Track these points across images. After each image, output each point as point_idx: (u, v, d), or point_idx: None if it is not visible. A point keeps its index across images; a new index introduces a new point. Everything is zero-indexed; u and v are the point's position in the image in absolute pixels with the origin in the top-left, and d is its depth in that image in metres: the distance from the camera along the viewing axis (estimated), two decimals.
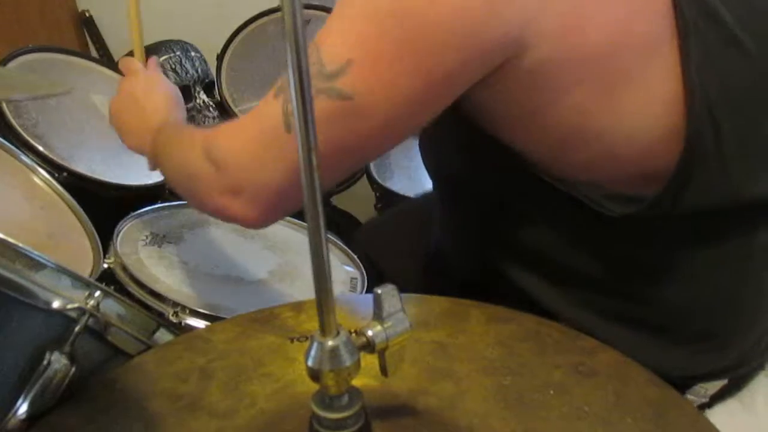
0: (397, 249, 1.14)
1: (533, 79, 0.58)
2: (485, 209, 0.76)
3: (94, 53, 1.92)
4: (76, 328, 0.57)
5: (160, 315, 0.87)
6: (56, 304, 0.56)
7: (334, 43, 0.57)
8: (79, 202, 1.05)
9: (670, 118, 0.59)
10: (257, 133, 0.62)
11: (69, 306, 0.57)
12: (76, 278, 0.58)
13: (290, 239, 1.15)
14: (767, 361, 0.82)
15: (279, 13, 0.34)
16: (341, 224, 1.76)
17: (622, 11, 0.57)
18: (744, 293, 0.73)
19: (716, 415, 0.77)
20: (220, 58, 1.60)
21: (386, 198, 1.51)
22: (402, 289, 0.46)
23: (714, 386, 0.77)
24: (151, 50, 1.65)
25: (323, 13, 1.59)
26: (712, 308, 0.73)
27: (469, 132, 0.67)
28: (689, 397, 0.77)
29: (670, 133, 0.59)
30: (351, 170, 0.66)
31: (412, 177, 1.55)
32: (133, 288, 0.92)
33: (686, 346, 0.74)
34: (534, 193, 0.69)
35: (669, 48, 0.58)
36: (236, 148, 0.63)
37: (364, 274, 1.06)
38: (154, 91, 0.92)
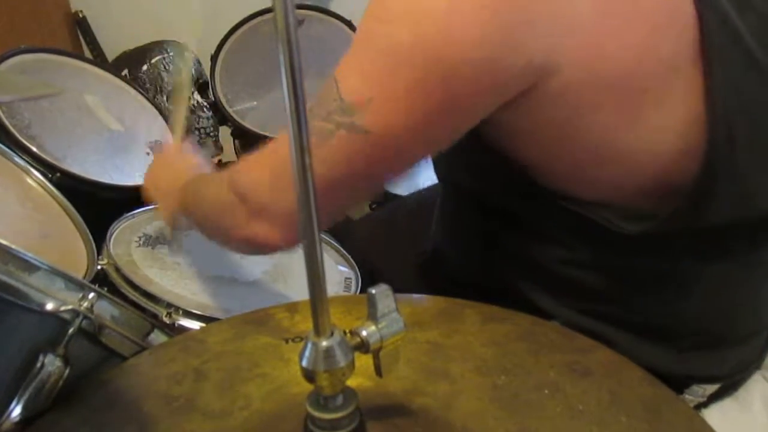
0: (390, 248, 1.15)
1: (558, 102, 0.58)
2: (492, 221, 0.76)
3: (87, 54, 1.92)
4: (70, 330, 0.57)
5: (154, 316, 0.87)
6: (50, 306, 0.56)
7: (354, 80, 0.58)
8: (72, 203, 1.04)
9: (691, 136, 0.60)
10: (274, 161, 0.65)
11: (63, 308, 0.57)
12: (69, 280, 0.58)
13: None
14: (764, 361, 0.83)
15: (273, 14, 0.34)
16: (335, 224, 1.76)
17: (645, 31, 0.57)
18: (747, 304, 0.75)
19: (712, 413, 0.78)
20: (213, 58, 1.60)
21: (381, 197, 1.51)
22: (396, 289, 0.46)
23: (712, 387, 0.77)
24: (145, 51, 1.65)
25: (317, 14, 1.59)
26: (715, 317, 0.74)
27: (483, 152, 0.67)
28: (687, 396, 0.77)
29: (689, 150, 0.60)
30: (373, 193, 0.68)
31: (409, 177, 1.55)
32: (126, 289, 0.91)
33: (686, 352, 0.75)
34: (543, 212, 0.69)
35: (692, 68, 0.58)
36: (255, 178, 0.67)
37: (359, 274, 1.06)
38: (185, 155, 1.01)
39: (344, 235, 1.26)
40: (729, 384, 0.78)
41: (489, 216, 0.77)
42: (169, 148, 1.02)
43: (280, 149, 0.64)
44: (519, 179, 0.68)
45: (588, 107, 0.58)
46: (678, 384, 0.75)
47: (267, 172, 0.65)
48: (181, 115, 1.05)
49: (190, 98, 1.63)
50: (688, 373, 0.75)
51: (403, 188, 1.46)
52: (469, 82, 0.55)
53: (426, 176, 1.48)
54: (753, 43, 0.59)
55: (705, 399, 0.78)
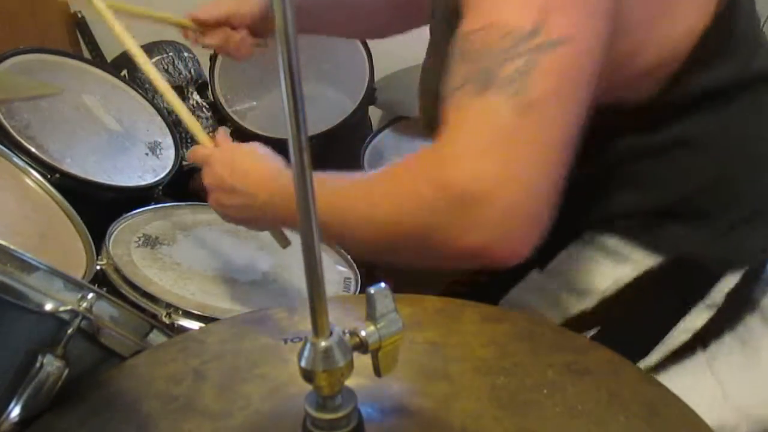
0: None
1: None
2: None
3: (86, 54, 1.91)
4: (69, 331, 0.57)
5: (154, 316, 0.87)
6: (48, 307, 0.56)
7: (513, 11, 0.55)
8: (71, 204, 1.04)
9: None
10: (491, 135, 0.54)
11: (61, 308, 0.57)
12: (68, 280, 0.58)
13: None
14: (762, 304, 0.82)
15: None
16: None
17: None
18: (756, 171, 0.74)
19: (721, 371, 0.77)
20: (213, 58, 1.60)
21: None
22: (395, 289, 0.46)
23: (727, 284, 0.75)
24: (143, 51, 1.65)
25: None
26: (729, 183, 0.73)
27: None
28: (714, 293, 0.75)
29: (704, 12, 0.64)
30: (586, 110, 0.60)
31: None
32: (125, 290, 0.92)
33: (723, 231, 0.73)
34: None
35: None
36: (475, 164, 0.54)
37: (358, 274, 1.06)
38: (244, 167, 0.77)
39: None
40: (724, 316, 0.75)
41: None
42: (213, 161, 0.79)
43: (491, 118, 0.54)
44: None
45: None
46: (711, 273, 0.74)
47: (490, 148, 0.54)
48: (189, 117, 0.87)
49: (186, 97, 1.63)
50: (725, 255, 0.74)
51: None
52: None
53: None
54: None
55: (722, 302, 0.74)
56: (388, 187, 0.59)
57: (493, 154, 0.53)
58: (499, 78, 0.54)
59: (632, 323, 0.77)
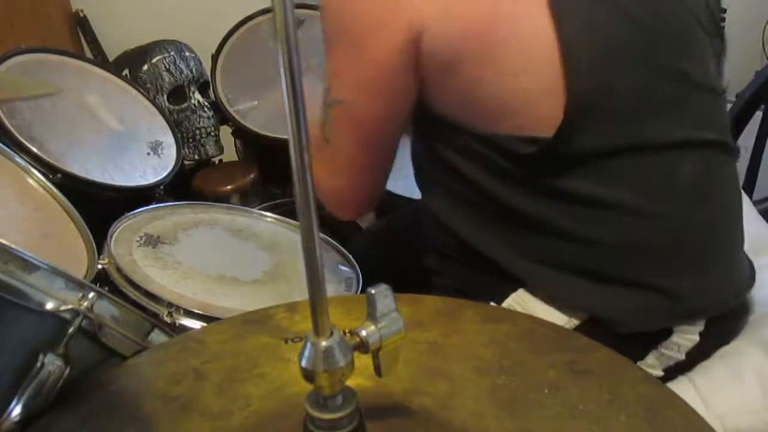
0: (392, 250, 1.15)
1: (432, 56, 0.72)
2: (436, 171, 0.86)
3: (88, 54, 1.92)
4: (70, 330, 0.57)
5: (155, 316, 0.87)
6: (50, 306, 0.56)
7: (324, 72, 0.78)
8: (73, 203, 1.04)
9: (554, 76, 0.69)
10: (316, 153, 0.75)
11: (62, 307, 0.57)
12: (69, 279, 0.58)
13: (284, 239, 1.15)
14: (746, 317, 0.84)
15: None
16: (336, 224, 1.76)
17: None
18: (674, 232, 0.76)
19: (702, 386, 0.78)
20: (214, 58, 1.60)
21: (382, 199, 1.50)
22: (396, 289, 0.46)
23: (686, 340, 0.78)
24: (145, 51, 1.65)
25: (317, 13, 1.59)
26: (642, 249, 0.76)
27: (422, 112, 0.80)
28: (665, 351, 0.79)
29: (553, 86, 0.70)
30: (387, 150, 0.85)
31: (409, 177, 1.55)
32: (127, 289, 0.91)
33: (623, 289, 0.77)
34: (462, 146, 0.78)
35: (538, 16, 0.69)
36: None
37: (359, 273, 1.06)
38: None
39: (345, 235, 1.26)
40: (704, 339, 0.79)
41: (433, 166, 0.87)
42: None
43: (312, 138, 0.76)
44: (434, 120, 0.79)
45: (453, 60, 0.71)
46: (652, 339, 0.78)
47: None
48: None
49: (187, 97, 1.63)
50: (633, 314, 0.77)
51: (405, 190, 1.46)
52: (374, 37, 0.72)
53: None
54: None
55: (683, 357, 0.79)
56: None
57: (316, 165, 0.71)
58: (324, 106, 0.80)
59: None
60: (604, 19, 0.71)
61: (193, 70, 1.67)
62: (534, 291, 0.81)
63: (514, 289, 0.82)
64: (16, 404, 0.54)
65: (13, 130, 1.10)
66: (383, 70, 0.74)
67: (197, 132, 1.66)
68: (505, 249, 0.81)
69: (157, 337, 0.68)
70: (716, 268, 0.80)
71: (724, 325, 0.82)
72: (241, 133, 1.61)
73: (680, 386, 0.79)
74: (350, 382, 0.44)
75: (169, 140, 1.39)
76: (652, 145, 0.74)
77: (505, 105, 0.72)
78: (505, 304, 0.82)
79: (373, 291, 0.45)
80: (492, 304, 0.83)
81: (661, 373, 0.80)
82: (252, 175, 1.61)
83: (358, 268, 1.07)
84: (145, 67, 1.61)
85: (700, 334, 0.78)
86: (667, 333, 0.78)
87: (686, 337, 0.78)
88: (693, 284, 0.77)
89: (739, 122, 1.45)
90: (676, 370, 0.81)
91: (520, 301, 0.82)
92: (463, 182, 0.80)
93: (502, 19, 0.69)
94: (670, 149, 0.75)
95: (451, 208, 0.85)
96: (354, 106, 0.77)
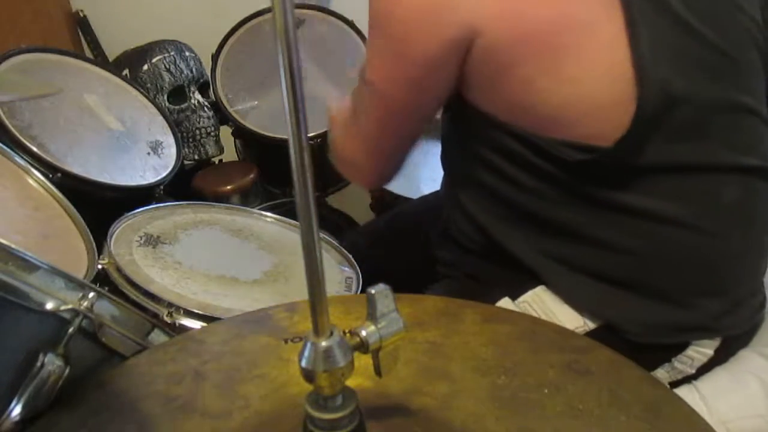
0: (393, 250, 1.15)
1: (486, 56, 0.71)
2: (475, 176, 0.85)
3: (88, 54, 1.92)
4: (70, 330, 0.57)
5: (155, 316, 0.87)
6: (50, 306, 0.56)
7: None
8: (73, 203, 1.04)
9: (625, 88, 0.68)
10: (343, 121, 0.91)
11: (62, 307, 0.57)
12: (69, 279, 0.58)
13: (284, 239, 1.15)
14: (755, 335, 0.84)
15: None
16: (336, 224, 1.76)
17: None
18: (710, 252, 0.76)
19: (707, 393, 0.78)
20: (214, 58, 1.60)
21: (381, 198, 1.51)
22: (396, 289, 0.46)
23: (701, 354, 0.79)
24: (145, 50, 1.65)
25: (317, 13, 1.59)
26: (677, 264, 0.76)
27: (459, 104, 0.80)
28: (677, 365, 0.79)
29: (621, 98, 0.69)
30: (413, 137, 0.86)
31: (408, 177, 1.55)
32: (127, 289, 0.91)
33: (647, 300, 0.77)
34: (505, 146, 0.77)
35: (611, 26, 0.68)
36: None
37: (359, 273, 1.06)
38: None
39: (345, 235, 1.26)
40: (717, 357, 0.80)
41: (472, 169, 0.85)
42: None
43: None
44: (478, 118, 0.78)
45: (510, 62, 0.70)
46: (665, 350, 0.79)
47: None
48: None
49: (187, 97, 1.63)
50: (649, 322, 0.78)
51: (405, 190, 1.46)
52: (422, 35, 0.71)
53: (428, 178, 1.49)
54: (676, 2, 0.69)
55: (694, 371, 0.79)
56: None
57: (342, 135, 0.91)
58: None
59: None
60: (673, 35, 0.70)
61: (193, 70, 1.67)
62: (554, 290, 0.81)
63: (533, 287, 0.82)
64: (16, 404, 0.54)
65: (13, 129, 1.10)
66: (422, 67, 0.73)
67: (197, 132, 1.66)
68: (532, 248, 0.81)
69: (157, 337, 0.68)
70: (741, 289, 0.80)
71: (738, 341, 0.82)
72: (241, 133, 1.61)
73: (684, 391, 0.79)
74: (350, 382, 0.44)
75: (169, 140, 1.39)
76: (702, 165, 0.73)
77: (561, 111, 0.71)
78: (521, 299, 0.82)
79: (373, 291, 0.45)
80: (506, 299, 0.83)
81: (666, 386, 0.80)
82: (252, 175, 1.61)
83: (358, 268, 1.07)
84: (145, 67, 1.62)
85: (715, 351, 0.79)
86: (682, 346, 0.78)
87: (702, 351, 0.78)
88: (718, 304, 0.77)
89: None
90: (681, 381, 0.81)
91: (538, 299, 0.82)
92: (499, 180, 0.80)
93: (572, 24, 0.68)
94: (718, 172, 0.74)
95: (482, 203, 0.85)
96: (386, 94, 0.78)
